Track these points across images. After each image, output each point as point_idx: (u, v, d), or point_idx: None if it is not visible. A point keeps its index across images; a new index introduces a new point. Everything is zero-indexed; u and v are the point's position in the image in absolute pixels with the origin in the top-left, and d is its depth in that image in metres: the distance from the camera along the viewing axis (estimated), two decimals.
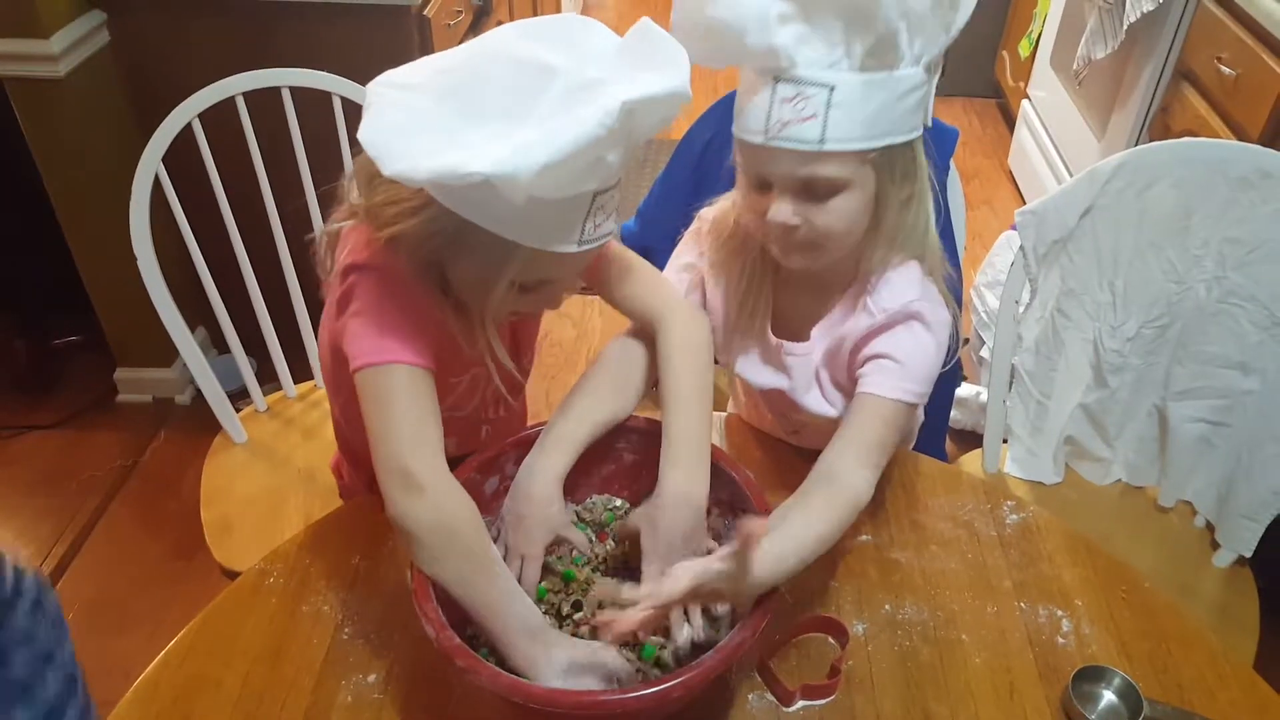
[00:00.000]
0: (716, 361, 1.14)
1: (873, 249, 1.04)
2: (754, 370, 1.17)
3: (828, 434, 1.02)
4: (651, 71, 0.81)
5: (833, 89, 0.90)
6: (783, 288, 1.14)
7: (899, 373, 1.01)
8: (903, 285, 1.05)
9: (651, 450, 1.00)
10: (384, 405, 0.90)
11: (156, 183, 1.43)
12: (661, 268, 1.56)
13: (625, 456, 1.07)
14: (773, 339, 1.14)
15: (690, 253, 1.20)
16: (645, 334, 1.09)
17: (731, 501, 0.99)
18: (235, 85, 1.45)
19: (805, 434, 1.25)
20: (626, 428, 1.06)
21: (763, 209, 0.99)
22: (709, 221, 1.18)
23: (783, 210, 0.97)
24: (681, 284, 1.18)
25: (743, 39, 0.90)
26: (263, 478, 1.54)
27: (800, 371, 1.13)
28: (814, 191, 0.96)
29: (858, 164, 0.95)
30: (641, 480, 1.01)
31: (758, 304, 1.14)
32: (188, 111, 1.43)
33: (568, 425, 1.02)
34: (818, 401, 1.13)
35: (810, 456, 1.00)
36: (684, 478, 0.97)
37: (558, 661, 0.86)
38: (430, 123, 0.82)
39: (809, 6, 0.90)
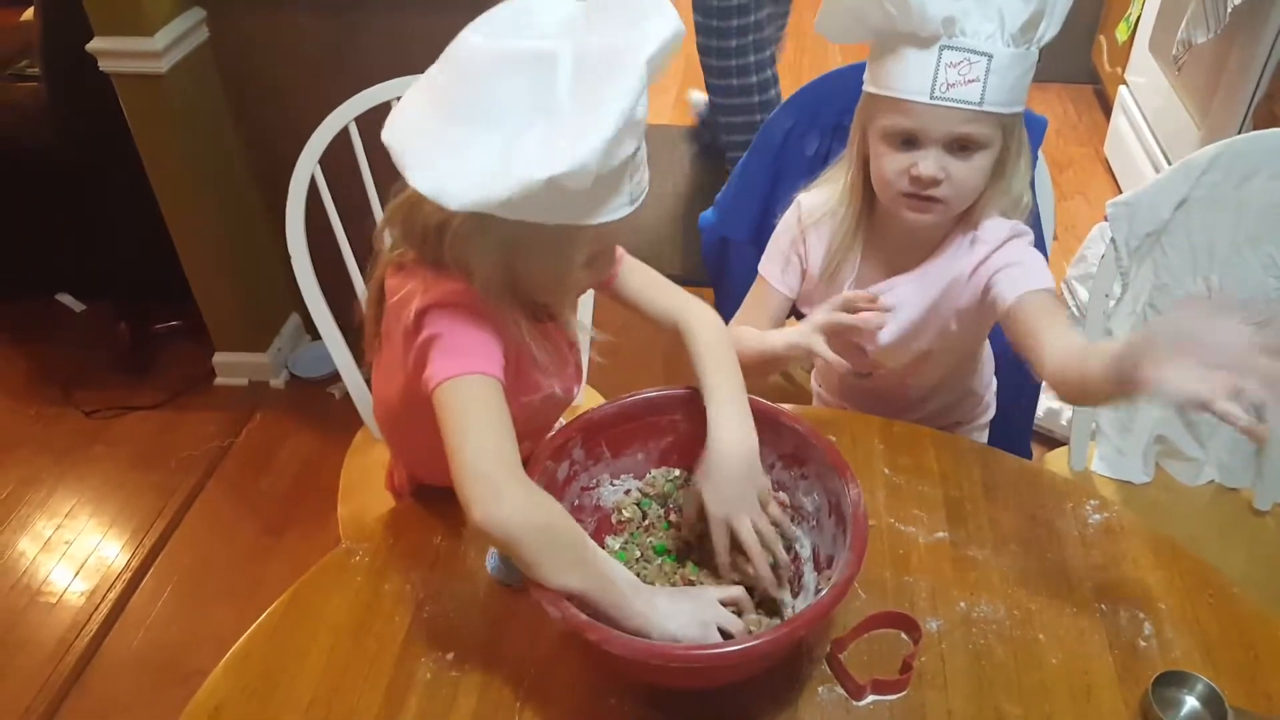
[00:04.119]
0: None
1: (991, 200, 1.18)
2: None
3: (903, 375, 1.30)
4: (650, 20, 0.83)
5: (991, 57, 1.05)
6: (866, 255, 1.27)
7: (1027, 271, 1.14)
8: (999, 221, 1.20)
9: (704, 417, 1.02)
10: (462, 416, 0.90)
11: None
12: (739, 257, 1.58)
13: (681, 427, 1.09)
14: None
15: (787, 233, 1.31)
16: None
17: (796, 453, 1.01)
18: (391, 90, 1.49)
19: (880, 376, 1.34)
20: (677, 399, 1.08)
21: (904, 165, 1.12)
22: (806, 202, 1.30)
23: (931, 164, 1.10)
24: (777, 264, 1.31)
25: (923, 8, 1.04)
26: None
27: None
28: (962, 148, 1.11)
29: (996, 126, 1.11)
30: (696, 449, 1.03)
31: (844, 266, 1.27)
32: (344, 115, 1.48)
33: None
34: (895, 332, 1.24)
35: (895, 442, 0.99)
36: (732, 428, 1.00)
37: (662, 608, 0.89)
38: (462, 143, 0.82)
39: None
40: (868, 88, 1.16)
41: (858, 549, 0.89)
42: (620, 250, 1.12)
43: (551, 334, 1.07)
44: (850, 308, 1.18)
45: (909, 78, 1.08)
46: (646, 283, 1.14)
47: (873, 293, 1.23)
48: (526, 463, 0.95)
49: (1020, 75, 1.08)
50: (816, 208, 1.28)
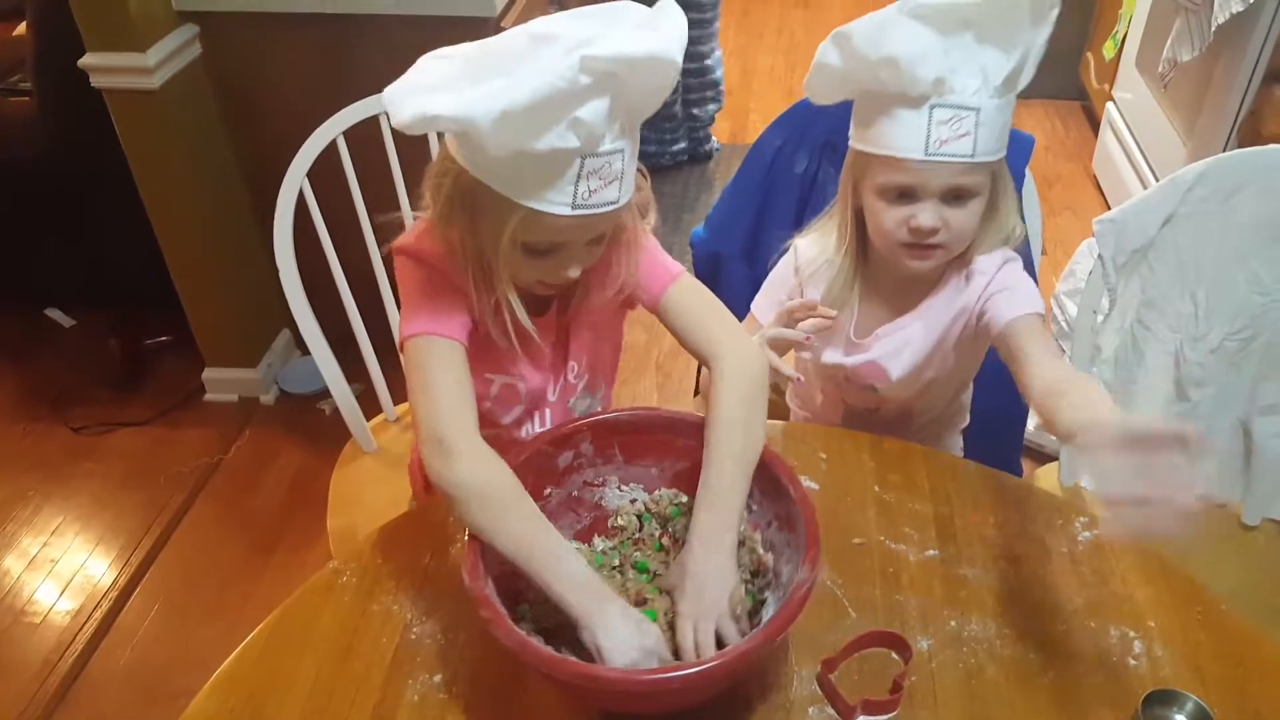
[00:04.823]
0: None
1: (986, 236, 1.21)
2: (842, 357, 1.31)
3: (910, 402, 1.33)
4: (637, 32, 0.84)
5: (979, 111, 1.09)
6: (865, 299, 1.29)
7: (1017, 295, 1.17)
8: (991, 254, 1.23)
9: None
10: (420, 375, 0.97)
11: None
12: (730, 274, 1.58)
13: (695, 454, 1.07)
14: (854, 337, 1.29)
15: (784, 282, 1.32)
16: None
17: (789, 516, 0.99)
18: (379, 105, 1.49)
19: (888, 408, 1.36)
20: (694, 424, 1.06)
21: (902, 218, 1.15)
22: (802, 252, 1.31)
23: (929, 216, 1.14)
24: (772, 311, 1.29)
25: (914, 70, 1.06)
26: (391, 488, 1.50)
27: (891, 346, 1.27)
28: (957, 197, 1.14)
29: (986, 173, 1.14)
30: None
31: (843, 312, 1.28)
32: (332, 129, 1.48)
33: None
34: (905, 368, 1.27)
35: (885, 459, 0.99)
36: (713, 521, 0.96)
37: (612, 612, 0.88)
38: (441, 84, 0.86)
39: (967, 42, 1.07)
40: (856, 145, 1.18)
41: (776, 624, 0.85)
42: (677, 268, 1.10)
43: (542, 328, 1.08)
44: (793, 319, 1.22)
45: (902, 136, 1.11)
46: (688, 309, 1.10)
47: (817, 304, 1.24)
48: (527, 445, 0.99)
49: (1004, 123, 1.12)
50: (813, 260, 1.29)
